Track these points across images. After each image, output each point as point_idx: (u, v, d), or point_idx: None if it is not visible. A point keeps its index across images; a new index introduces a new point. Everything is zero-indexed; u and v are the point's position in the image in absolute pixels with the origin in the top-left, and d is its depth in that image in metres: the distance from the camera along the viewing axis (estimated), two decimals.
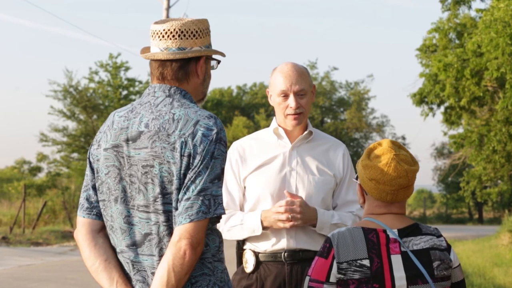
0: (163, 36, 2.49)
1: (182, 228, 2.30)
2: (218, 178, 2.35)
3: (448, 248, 2.60)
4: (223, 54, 2.60)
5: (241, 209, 3.38)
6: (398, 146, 2.62)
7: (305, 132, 3.38)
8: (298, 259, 3.26)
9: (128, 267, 2.43)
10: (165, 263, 2.30)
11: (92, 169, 2.50)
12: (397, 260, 2.51)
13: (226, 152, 2.40)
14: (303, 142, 3.39)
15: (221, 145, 2.38)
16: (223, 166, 2.38)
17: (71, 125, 30.11)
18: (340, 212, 3.33)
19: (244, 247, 3.36)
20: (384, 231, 2.54)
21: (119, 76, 30.07)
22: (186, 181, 2.33)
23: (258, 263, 3.30)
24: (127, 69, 30.31)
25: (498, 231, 20.45)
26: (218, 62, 2.62)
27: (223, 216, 3.26)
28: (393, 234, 2.54)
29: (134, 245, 2.41)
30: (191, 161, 2.33)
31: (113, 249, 2.47)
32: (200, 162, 2.33)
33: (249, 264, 3.31)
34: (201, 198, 2.31)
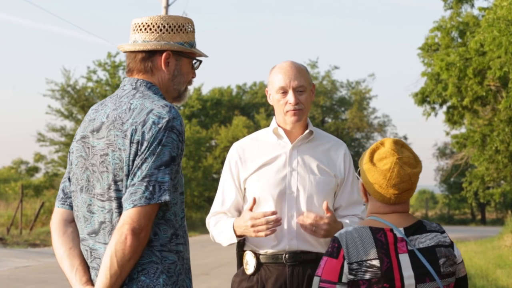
0: (134, 30, 2.60)
1: (126, 214, 2.33)
2: (165, 165, 2.36)
3: (452, 244, 2.61)
4: (193, 53, 2.62)
5: (239, 211, 3.34)
6: (401, 146, 2.59)
7: (306, 132, 3.34)
8: (299, 261, 3.23)
9: (86, 255, 2.49)
10: (108, 249, 2.33)
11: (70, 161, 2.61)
12: (405, 259, 2.51)
13: (179, 140, 2.41)
14: (303, 141, 3.34)
15: (173, 133, 2.39)
16: (173, 154, 2.39)
17: (69, 125, 29.97)
18: (350, 218, 3.29)
19: (245, 249, 3.33)
20: (391, 230, 2.54)
21: (117, 75, 29.96)
22: (133, 167, 2.37)
23: (259, 264, 3.27)
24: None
25: (501, 232, 20.49)
26: (200, 62, 2.68)
27: (211, 220, 3.28)
28: (400, 233, 2.54)
29: (94, 233, 2.47)
30: (139, 147, 2.37)
31: None
32: (146, 148, 2.36)
33: (249, 265, 3.28)
34: (145, 184, 2.34)
